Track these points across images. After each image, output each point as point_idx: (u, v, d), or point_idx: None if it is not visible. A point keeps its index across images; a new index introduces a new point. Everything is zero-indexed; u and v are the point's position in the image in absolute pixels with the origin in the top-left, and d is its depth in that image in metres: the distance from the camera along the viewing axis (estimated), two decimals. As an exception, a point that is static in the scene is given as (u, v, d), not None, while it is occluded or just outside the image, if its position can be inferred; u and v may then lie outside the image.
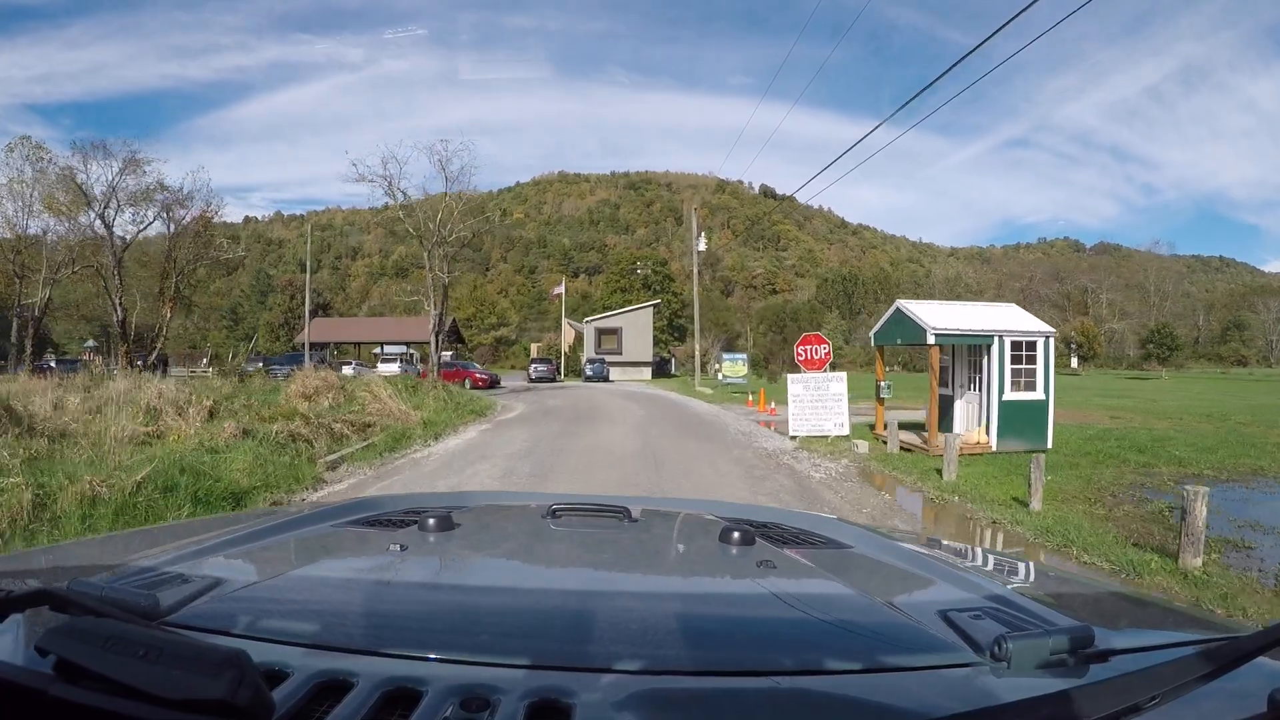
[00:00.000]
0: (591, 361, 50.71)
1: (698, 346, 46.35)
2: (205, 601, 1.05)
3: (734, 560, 1.51)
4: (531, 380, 46.35)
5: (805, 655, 1.00)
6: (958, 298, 78.81)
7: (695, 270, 46.96)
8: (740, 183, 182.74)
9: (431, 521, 1.56)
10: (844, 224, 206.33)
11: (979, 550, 2.34)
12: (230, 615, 1.01)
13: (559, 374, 51.22)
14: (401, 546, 1.44)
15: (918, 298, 21.66)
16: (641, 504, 2.12)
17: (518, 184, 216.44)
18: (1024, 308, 15.17)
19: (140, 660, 0.67)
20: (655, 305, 64.00)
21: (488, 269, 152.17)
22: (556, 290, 63.79)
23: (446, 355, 48.51)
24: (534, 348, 72.48)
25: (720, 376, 43.69)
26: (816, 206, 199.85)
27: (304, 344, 62.99)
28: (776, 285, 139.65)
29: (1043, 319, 15.56)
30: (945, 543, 2.22)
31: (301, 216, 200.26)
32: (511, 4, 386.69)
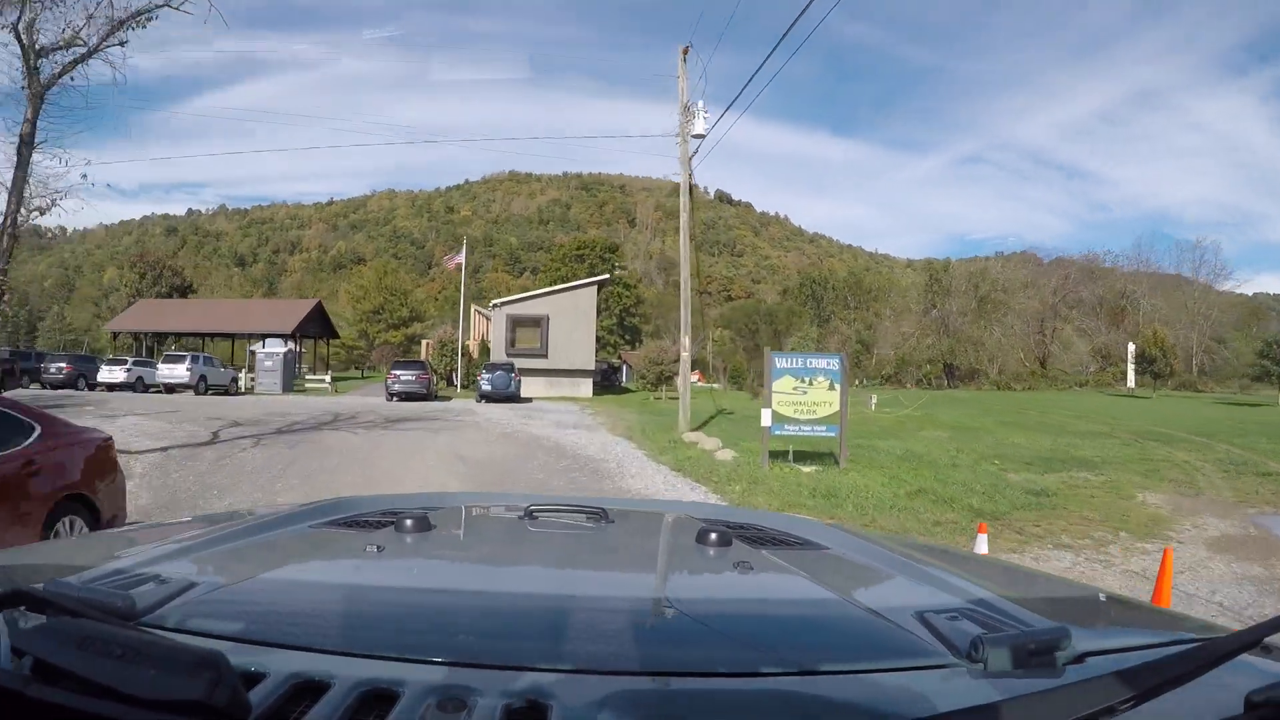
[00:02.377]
0: (493, 369, 33.16)
1: (687, 341, 22.25)
2: (182, 602, 1.06)
3: (711, 561, 1.53)
4: (391, 395, 32.82)
5: (782, 656, 1.01)
6: (982, 299, 70.62)
7: (685, 215, 22.51)
8: (695, 186, 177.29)
9: (409, 522, 1.56)
10: (800, 232, 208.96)
11: (956, 552, 2.63)
12: (207, 616, 1.02)
13: (435, 386, 34.91)
14: (379, 547, 1.44)
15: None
16: (618, 505, 2.12)
17: (466, 181, 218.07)
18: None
19: (117, 661, 0.67)
20: (602, 282, 45.47)
21: (430, 266, 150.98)
22: (454, 259, 42.85)
23: (277, 349, 36.95)
24: (424, 345, 49.96)
25: (770, 415, 13.51)
26: (773, 214, 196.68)
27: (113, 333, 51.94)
28: (733, 292, 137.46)
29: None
30: (923, 544, 2.56)
31: (245, 210, 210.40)
32: (466, 8, 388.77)
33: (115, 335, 54.31)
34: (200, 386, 34.64)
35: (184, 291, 72.58)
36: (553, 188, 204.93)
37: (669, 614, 1.22)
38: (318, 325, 54.54)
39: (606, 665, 0.90)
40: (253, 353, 39.05)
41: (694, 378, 31.83)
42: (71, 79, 16.43)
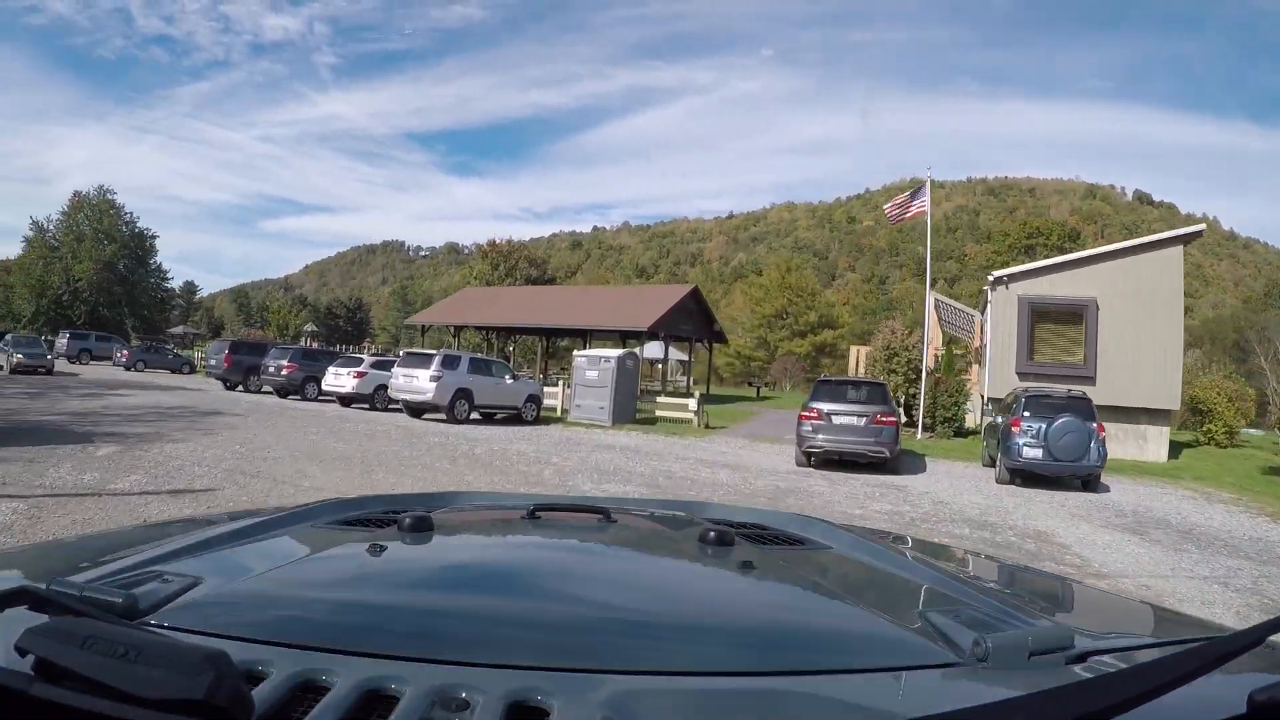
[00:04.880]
0: (1050, 409, 13.97)
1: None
2: (185, 601, 1.05)
3: (714, 561, 1.51)
4: (807, 456, 15.55)
5: (784, 655, 1.01)
6: None
7: None
8: (1111, 187, 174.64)
9: (411, 521, 1.53)
10: (1233, 236, 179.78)
11: (959, 551, 2.84)
12: (210, 615, 1.02)
13: (898, 440, 15.49)
14: (381, 546, 1.41)
15: None
16: (621, 505, 2.13)
17: (867, 191, 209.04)
18: None
19: (120, 660, 0.67)
20: (1190, 237, 21.75)
21: (833, 278, 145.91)
22: (911, 205, 23.54)
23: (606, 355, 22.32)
24: (855, 355, 34.21)
25: None
26: (1200, 215, 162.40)
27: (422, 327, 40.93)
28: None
29: None
30: (926, 543, 2.60)
31: (648, 226, 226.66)
32: (852, 19, 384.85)
33: (424, 330, 44.10)
34: (461, 409, 20.10)
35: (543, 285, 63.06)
36: (957, 194, 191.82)
37: (672, 614, 1.21)
38: (694, 323, 37.40)
39: (609, 665, 0.89)
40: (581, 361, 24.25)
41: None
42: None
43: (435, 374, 19.93)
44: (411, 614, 1.13)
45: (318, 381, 24.34)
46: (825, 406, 15.23)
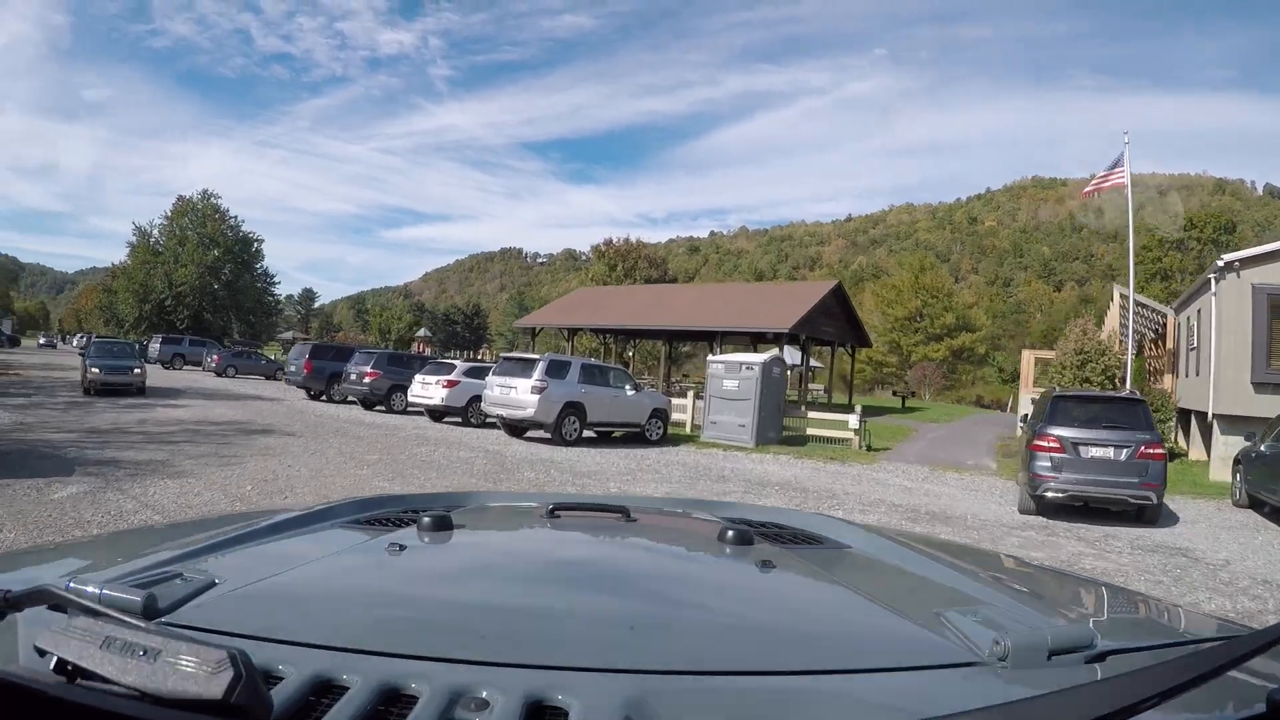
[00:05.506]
0: None
1: None
2: (203, 601, 1.05)
3: (733, 560, 1.52)
4: (1035, 497, 10.63)
5: (803, 655, 1.01)
6: None
7: None
8: (1241, 181, 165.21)
9: (430, 521, 1.53)
10: None
11: (979, 551, 2.73)
12: (228, 615, 1.01)
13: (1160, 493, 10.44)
14: (400, 546, 1.41)
15: None
16: (641, 504, 2.11)
17: (988, 190, 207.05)
18: None
19: (139, 660, 0.68)
20: None
21: (956, 280, 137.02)
22: (1109, 176, 19.59)
23: (749, 361, 18.49)
24: (1025, 360, 27.70)
25: None
26: None
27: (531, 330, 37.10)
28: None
29: None
30: (945, 543, 2.69)
31: (765, 230, 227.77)
32: (964, 15, 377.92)
33: (535, 333, 39.44)
34: (569, 428, 15.80)
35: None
36: (1080, 191, 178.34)
37: (691, 613, 1.20)
38: (838, 324, 32.45)
39: (627, 664, 0.89)
40: (716, 369, 19.55)
41: None
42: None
43: (538, 384, 15.60)
44: (430, 613, 1.13)
45: (406, 391, 20.55)
46: (1069, 434, 10.40)
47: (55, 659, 0.71)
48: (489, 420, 17.58)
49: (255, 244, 63.71)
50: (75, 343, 64.89)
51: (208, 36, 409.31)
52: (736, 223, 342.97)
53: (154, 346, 42.15)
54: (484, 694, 0.79)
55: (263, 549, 1.46)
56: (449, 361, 21.79)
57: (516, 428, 16.50)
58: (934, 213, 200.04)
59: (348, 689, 0.80)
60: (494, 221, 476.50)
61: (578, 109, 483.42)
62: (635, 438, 17.33)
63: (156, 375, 32.51)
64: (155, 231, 61.42)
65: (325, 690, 0.80)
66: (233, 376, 35.27)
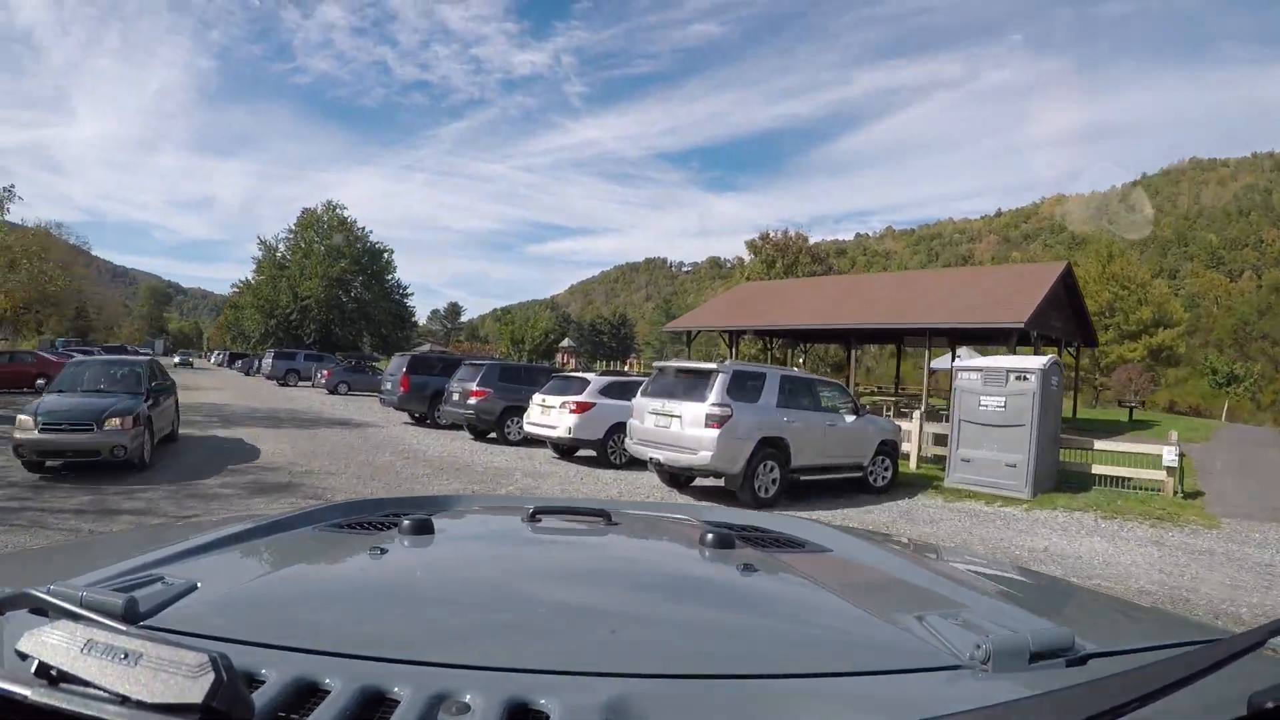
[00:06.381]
0: None
1: None
2: (185, 604, 1.07)
3: (715, 563, 1.51)
4: None
5: (785, 658, 1.01)
6: None
7: None
8: None
9: (411, 525, 1.54)
10: None
11: (960, 554, 2.70)
12: (210, 618, 1.03)
13: None
14: (381, 550, 1.42)
15: None
16: (621, 507, 2.09)
17: (1144, 176, 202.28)
18: None
19: (120, 664, 0.68)
20: None
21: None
22: None
23: (1024, 369, 11.71)
24: None
25: None
26: None
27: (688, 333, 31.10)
28: None
29: None
30: (926, 546, 2.60)
31: (912, 230, 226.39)
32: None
33: (690, 338, 31.50)
34: (766, 479, 9.98)
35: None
36: (1245, 171, 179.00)
37: (672, 616, 1.21)
38: (1064, 318, 25.20)
39: (609, 668, 0.90)
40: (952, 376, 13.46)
41: None
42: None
43: (717, 410, 9.81)
44: (411, 618, 1.13)
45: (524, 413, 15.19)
46: None
47: (37, 663, 0.71)
48: (637, 462, 11.89)
49: (385, 254, 60.96)
50: (213, 359, 64.36)
51: (347, 70, 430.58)
52: (880, 224, 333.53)
53: (266, 361, 40.12)
54: (466, 697, 0.79)
55: (245, 553, 1.43)
56: (577, 375, 15.72)
57: (682, 478, 11.12)
58: (1087, 202, 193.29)
59: (329, 692, 0.80)
60: (637, 233, 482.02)
61: (714, 116, 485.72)
62: (855, 484, 11.56)
63: (258, 391, 29.87)
64: (280, 245, 59.70)
65: (307, 694, 0.81)
66: (344, 394, 31.44)
